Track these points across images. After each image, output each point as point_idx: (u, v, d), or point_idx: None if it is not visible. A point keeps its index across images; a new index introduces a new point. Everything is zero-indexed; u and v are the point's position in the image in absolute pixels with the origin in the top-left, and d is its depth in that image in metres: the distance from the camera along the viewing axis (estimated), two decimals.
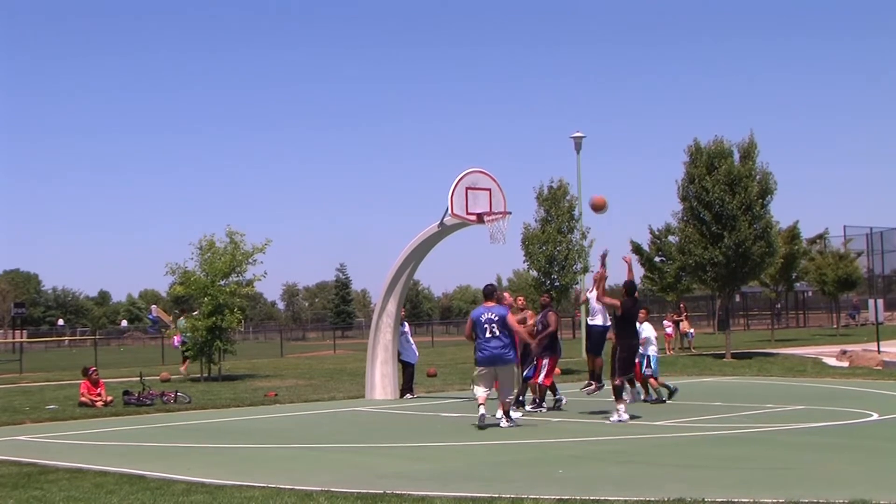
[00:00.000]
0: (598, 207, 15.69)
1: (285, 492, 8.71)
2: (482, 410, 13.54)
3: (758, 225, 27.29)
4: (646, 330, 16.60)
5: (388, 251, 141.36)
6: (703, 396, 17.80)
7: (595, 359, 15.44)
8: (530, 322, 16.11)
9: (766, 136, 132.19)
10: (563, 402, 16.19)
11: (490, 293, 14.08)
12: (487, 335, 13.57)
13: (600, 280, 14.85)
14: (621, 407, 13.90)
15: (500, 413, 13.83)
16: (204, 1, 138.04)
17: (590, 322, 15.32)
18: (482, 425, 13.34)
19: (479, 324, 13.69)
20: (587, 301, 15.37)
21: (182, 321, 28.09)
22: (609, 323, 15.10)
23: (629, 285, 14.55)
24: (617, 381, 13.99)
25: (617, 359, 14.04)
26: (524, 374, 15.92)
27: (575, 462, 10.61)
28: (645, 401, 16.66)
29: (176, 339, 28.17)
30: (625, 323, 14.17)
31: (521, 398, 15.69)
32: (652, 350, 16.82)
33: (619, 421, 13.76)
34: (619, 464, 10.44)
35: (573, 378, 22.69)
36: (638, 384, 16.75)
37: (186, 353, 26.90)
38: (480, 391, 13.77)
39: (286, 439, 13.34)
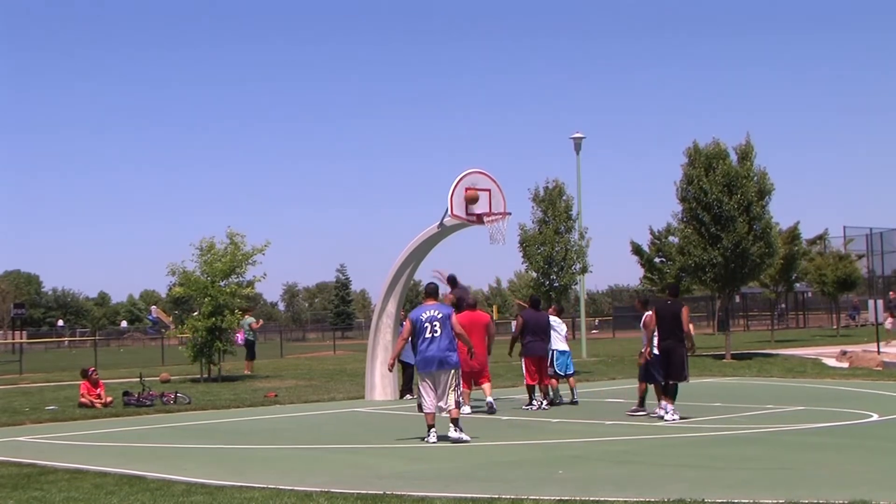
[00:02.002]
0: (471, 200, 17.26)
1: (285, 492, 8.71)
2: (433, 437, 12.14)
3: (757, 225, 27.31)
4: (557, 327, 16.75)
5: (388, 251, 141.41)
6: (703, 397, 17.78)
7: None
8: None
9: (766, 136, 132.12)
10: (535, 405, 16.05)
11: (433, 292, 13.03)
12: (428, 335, 12.29)
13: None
14: (671, 406, 13.83)
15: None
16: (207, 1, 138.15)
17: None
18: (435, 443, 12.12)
19: (419, 323, 12.37)
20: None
21: (248, 318, 27.99)
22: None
23: (672, 287, 14.97)
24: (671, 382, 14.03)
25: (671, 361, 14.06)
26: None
27: (575, 462, 10.60)
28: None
29: (239, 337, 27.55)
30: (666, 325, 14.09)
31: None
32: (561, 346, 16.76)
33: (670, 420, 13.70)
34: (620, 464, 10.44)
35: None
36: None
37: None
38: (428, 404, 12.36)
39: (286, 440, 13.34)
